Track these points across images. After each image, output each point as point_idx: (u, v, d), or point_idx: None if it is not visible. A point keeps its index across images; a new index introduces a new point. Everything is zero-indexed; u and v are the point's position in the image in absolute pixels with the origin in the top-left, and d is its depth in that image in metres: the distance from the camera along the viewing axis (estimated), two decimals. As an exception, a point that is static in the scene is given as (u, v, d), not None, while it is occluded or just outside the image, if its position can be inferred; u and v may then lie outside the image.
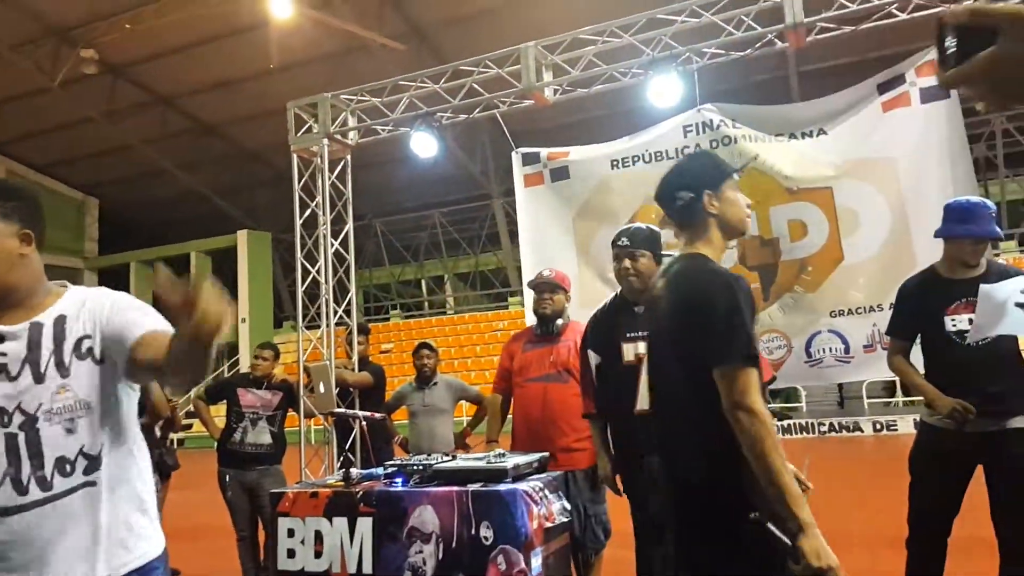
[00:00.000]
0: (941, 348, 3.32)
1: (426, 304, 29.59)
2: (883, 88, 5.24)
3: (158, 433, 5.51)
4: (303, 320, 6.43)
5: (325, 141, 6.34)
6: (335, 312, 6.28)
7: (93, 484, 1.70)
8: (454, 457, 3.93)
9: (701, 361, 2.00)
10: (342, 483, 3.72)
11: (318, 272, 6.34)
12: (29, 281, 1.76)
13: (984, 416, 3.12)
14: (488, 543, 3.20)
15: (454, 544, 3.27)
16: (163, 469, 5.44)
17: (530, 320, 4.77)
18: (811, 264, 5.37)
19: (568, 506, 3.64)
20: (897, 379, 6.11)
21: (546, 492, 3.44)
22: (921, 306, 3.39)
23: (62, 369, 1.70)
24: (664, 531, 3.09)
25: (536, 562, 3.20)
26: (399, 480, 3.61)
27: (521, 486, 3.29)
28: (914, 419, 12.31)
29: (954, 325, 3.27)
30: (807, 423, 15.02)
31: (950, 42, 0.81)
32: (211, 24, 17.31)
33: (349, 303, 6.41)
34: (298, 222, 6.41)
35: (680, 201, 2.22)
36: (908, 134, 5.15)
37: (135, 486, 1.81)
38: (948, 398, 3.17)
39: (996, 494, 3.20)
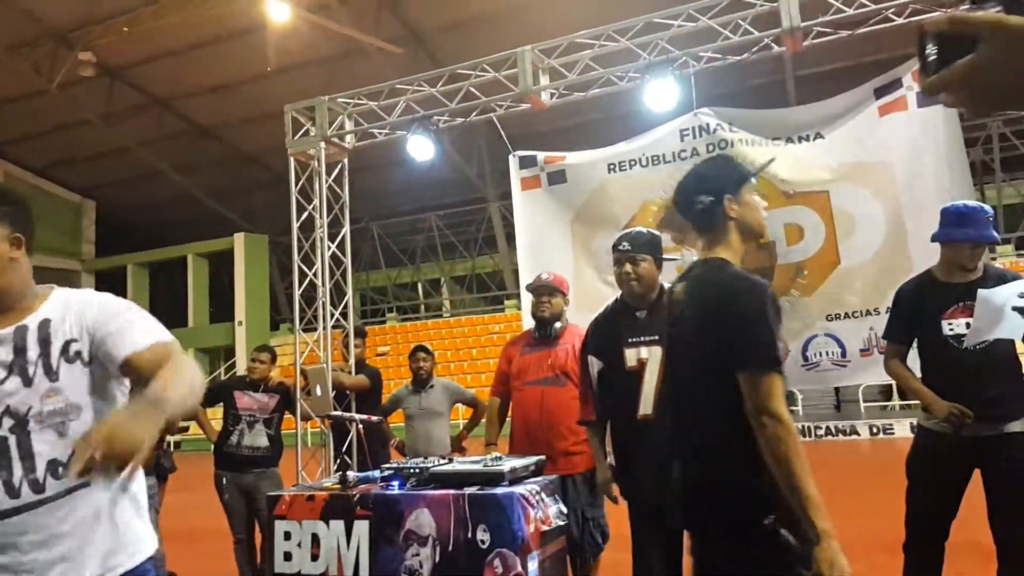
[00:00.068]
0: (938, 352, 3.31)
1: (422, 307, 29.60)
2: (880, 92, 5.25)
3: (154, 436, 5.49)
4: (300, 323, 6.42)
5: (322, 144, 6.34)
6: (332, 315, 6.27)
7: (86, 486, 1.70)
8: (451, 460, 3.92)
9: (726, 365, 1.99)
10: (339, 486, 3.71)
11: (315, 275, 6.34)
12: (19, 285, 1.76)
13: (981, 420, 3.11)
14: (485, 546, 3.20)
15: (451, 547, 3.27)
16: (160, 472, 5.42)
17: (527, 323, 4.77)
18: (807, 268, 5.38)
19: (565, 509, 3.63)
20: (894, 383, 6.10)
21: (543, 495, 3.44)
22: (918, 310, 3.39)
23: (51, 373, 1.70)
24: (665, 533, 3.10)
25: (533, 565, 3.20)
26: (396, 483, 3.60)
27: (518, 489, 3.29)
28: (911, 423, 12.34)
29: (951, 329, 3.26)
30: (803, 427, 15.02)
31: (931, 49, 0.83)
32: (208, 27, 17.34)
33: (346, 306, 6.40)
34: (295, 225, 6.41)
35: (700, 205, 2.21)
36: (905, 138, 5.16)
37: (128, 487, 1.81)
38: (945, 402, 3.16)
39: (994, 498, 3.20)
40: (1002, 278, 3.27)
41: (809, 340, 5.36)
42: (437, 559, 3.28)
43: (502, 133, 6.44)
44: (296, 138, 6.41)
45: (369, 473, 3.91)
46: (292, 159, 6.44)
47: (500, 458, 3.60)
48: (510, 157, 6.32)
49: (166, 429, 5.61)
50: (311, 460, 6.18)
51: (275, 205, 21.03)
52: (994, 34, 0.78)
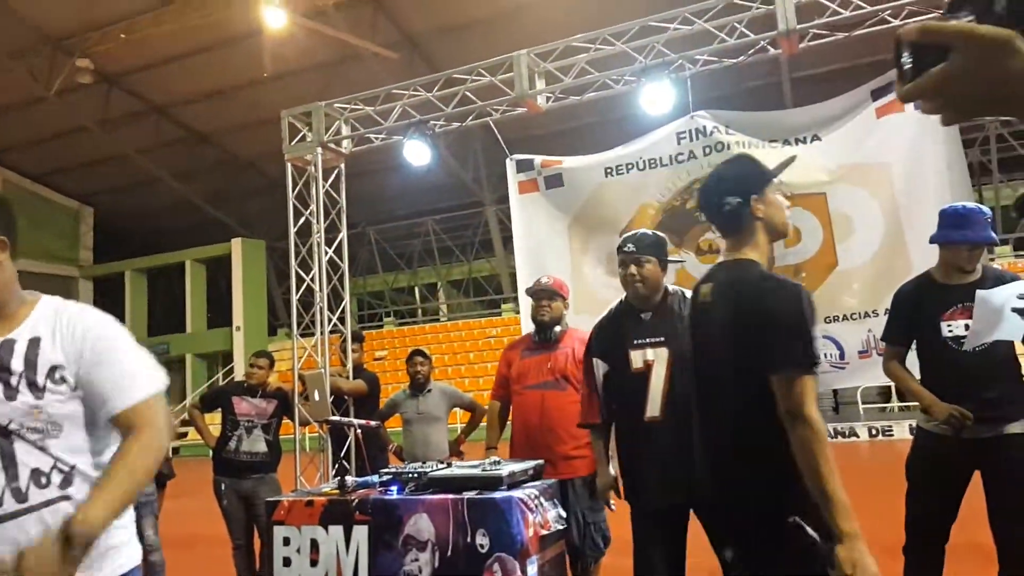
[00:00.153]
0: (937, 353, 3.31)
1: (420, 311, 29.55)
2: (877, 94, 5.26)
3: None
4: (297, 328, 6.42)
5: (319, 149, 6.34)
6: (329, 320, 6.27)
7: (68, 498, 1.69)
8: (449, 465, 3.92)
9: (758, 367, 2.00)
10: (337, 491, 3.70)
11: (312, 280, 6.34)
12: (1, 289, 1.75)
13: (981, 422, 3.11)
14: (484, 551, 3.19)
15: (450, 552, 3.26)
16: (159, 478, 5.40)
17: (526, 327, 4.76)
18: (805, 270, 5.37)
19: (564, 513, 3.62)
20: (893, 385, 6.10)
21: (542, 499, 3.43)
22: (917, 312, 3.39)
23: (35, 390, 1.68)
24: (668, 535, 3.09)
25: (532, 570, 3.19)
26: (394, 488, 3.59)
27: (516, 493, 3.28)
28: (910, 425, 12.33)
29: (950, 330, 3.26)
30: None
31: (906, 58, 0.84)
32: (205, 33, 17.34)
33: (343, 311, 6.40)
34: (292, 230, 6.41)
35: (728, 207, 2.20)
36: (902, 139, 5.17)
37: None
38: (945, 404, 3.16)
39: (993, 499, 3.19)
40: (1000, 279, 3.27)
41: None
42: (436, 564, 3.27)
43: (499, 137, 6.44)
44: (293, 144, 6.42)
45: (368, 478, 3.90)
46: (289, 165, 6.44)
47: (499, 462, 3.59)
48: (507, 161, 6.32)
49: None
50: (309, 465, 6.17)
51: (272, 211, 20.99)
52: (965, 43, 0.79)
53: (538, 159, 6.20)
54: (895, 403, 17.00)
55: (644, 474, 3.15)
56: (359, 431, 4.59)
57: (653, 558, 3.10)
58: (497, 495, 3.25)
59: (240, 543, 5.20)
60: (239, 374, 22.26)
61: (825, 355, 5.30)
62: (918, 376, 3.43)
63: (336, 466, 5.80)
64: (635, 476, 3.21)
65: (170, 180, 24.33)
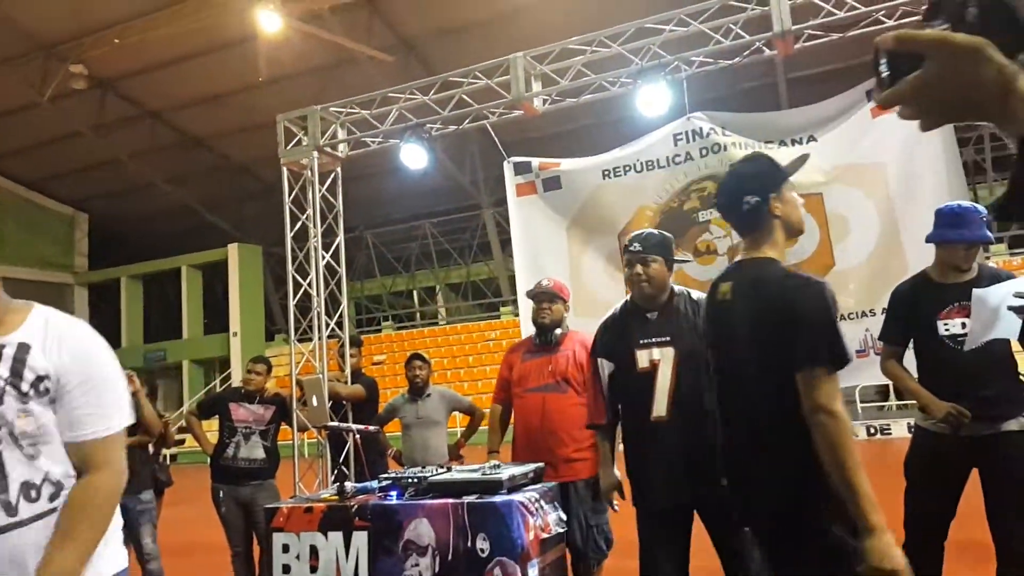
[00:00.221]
0: (934, 352, 3.32)
1: (418, 315, 29.53)
2: (872, 94, 5.27)
3: (151, 450, 5.46)
4: (295, 333, 6.41)
5: (315, 153, 6.34)
6: (327, 324, 6.26)
7: (54, 512, 1.67)
8: (449, 469, 3.91)
9: (783, 364, 2.01)
10: (337, 497, 3.69)
11: (309, 285, 6.33)
12: None
13: (978, 420, 3.12)
14: (484, 555, 3.18)
15: (450, 557, 3.25)
16: (157, 485, 5.39)
17: (525, 330, 4.75)
18: (803, 270, 5.37)
19: (564, 516, 3.62)
20: (890, 383, 6.11)
21: (542, 503, 3.43)
22: (914, 311, 3.40)
23: (22, 396, 1.66)
24: (674, 534, 3.09)
25: (533, 573, 3.18)
26: (394, 493, 3.58)
27: (517, 497, 3.27)
28: (908, 423, 12.35)
29: (947, 329, 3.27)
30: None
31: (883, 66, 0.87)
32: (200, 38, 17.31)
33: (341, 315, 6.39)
34: (289, 235, 6.40)
35: (747, 206, 2.22)
36: (897, 139, 5.18)
37: None
38: (943, 402, 3.17)
39: (992, 497, 3.20)
40: (996, 277, 3.28)
41: None
42: (437, 569, 3.26)
43: (496, 140, 6.44)
44: (289, 148, 6.41)
45: (367, 483, 3.88)
46: (285, 169, 6.43)
47: (498, 466, 3.59)
48: (505, 164, 6.33)
49: (160, 443, 5.60)
50: (308, 471, 6.15)
51: (268, 215, 20.95)
52: (939, 51, 0.81)
53: (536, 161, 6.21)
54: (893, 402, 17.03)
55: (649, 474, 3.15)
56: (358, 436, 4.57)
57: (658, 558, 3.10)
58: (497, 499, 3.24)
59: (239, 550, 5.18)
60: (236, 380, 22.22)
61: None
62: (916, 375, 3.44)
63: (335, 472, 5.79)
64: (641, 476, 3.20)
65: (165, 185, 24.30)
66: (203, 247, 26.84)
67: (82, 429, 1.69)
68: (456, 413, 5.80)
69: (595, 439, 3.60)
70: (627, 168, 5.89)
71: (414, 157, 6.18)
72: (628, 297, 3.43)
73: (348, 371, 6.01)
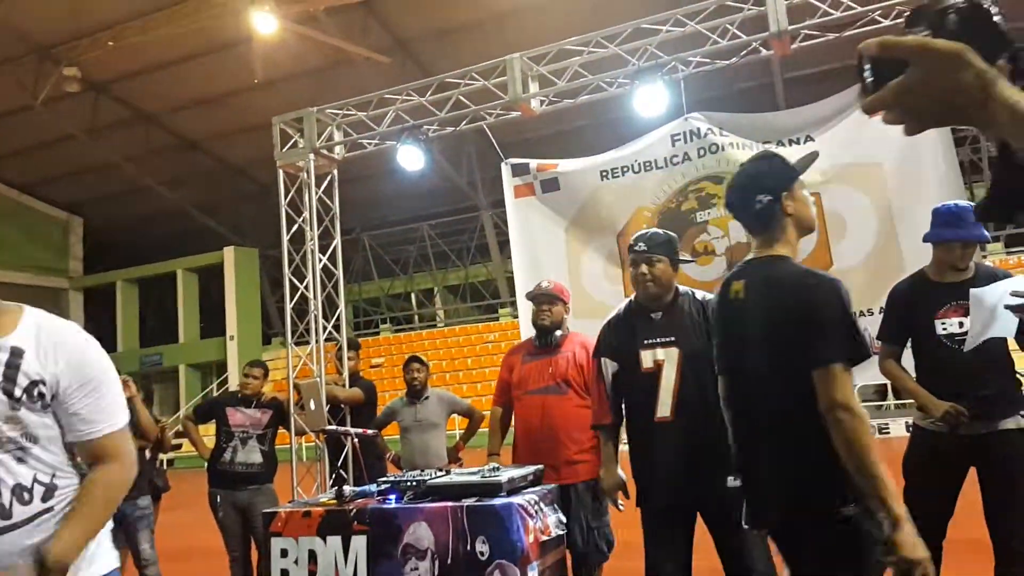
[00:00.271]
0: (932, 351, 3.32)
1: (416, 317, 29.52)
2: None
3: (148, 455, 5.44)
4: (292, 336, 6.39)
5: (311, 156, 6.32)
6: (324, 328, 6.24)
7: (50, 510, 1.69)
8: (448, 472, 3.89)
9: (799, 362, 2.02)
10: (335, 501, 3.67)
11: (306, 288, 6.31)
12: None
13: (976, 418, 3.12)
14: (484, 558, 3.17)
15: (450, 560, 3.24)
16: (154, 490, 5.37)
17: (524, 332, 4.74)
18: None
19: (564, 518, 3.61)
20: (888, 383, 6.11)
21: (541, 505, 3.42)
22: (911, 310, 3.41)
23: (13, 401, 1.65)
24: (677, 534, 3.09)
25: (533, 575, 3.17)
26: (393, 497, 3.57)
27: (516, 500, 3.26)
28: (906, 422, 12.36)
29: (944, 328, 3.28)
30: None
31: (867, 72, 0.89)
32: (194, 40, 17.28)
33: (338, 318, 6.37)
34: (285, 237, 6.38)
35: (759, 204, 2.21)
36: (894, 139, 5.17)
37: None
38: (941, 401, 3.17)
39: (990, 495, 3.20)
40: (993, 276, 3.29)
41: None
42: (436, 572, 3.25)
43: (494, 141, 6.43)
44: (285, 150, 6.39)
45: (365, 487, 3.87)
46: (281, 171, 6.41)
47: (497, 469, 3.58)
48: (502, 165, 6.31)
49: (157, 448, 5.57)
50: (306, 475, 6.13)
51: (265, 218, 20.98)
52: (921, 56, 0.83)
53: (533, 163, 6.19)
54: (891, 401, 17.06)
55: (653, 474, 3.14)
56: (356, 440, 4.56)
57: (662, 558, 3.09)
58: (496, 502, 3.23)
59: (237, 555, 5.15)
60: (233, 384, 22.20)
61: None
62: (914, 374, 3.44)
63: (333, 476, 5.77)
64: (644, 476, 3.20)
65: (160, 189, 24.24)
66: (199, 250, 26.80)
67: (89, 428, 1.74)
68: (455, 416, 5.78)
69: (596, 441, 3.60)
70: (625, 169, 5.88)
71: (411, 159, 6.17)
72: (632, 297, 3.43)
73: (346, 374, 5.98)
